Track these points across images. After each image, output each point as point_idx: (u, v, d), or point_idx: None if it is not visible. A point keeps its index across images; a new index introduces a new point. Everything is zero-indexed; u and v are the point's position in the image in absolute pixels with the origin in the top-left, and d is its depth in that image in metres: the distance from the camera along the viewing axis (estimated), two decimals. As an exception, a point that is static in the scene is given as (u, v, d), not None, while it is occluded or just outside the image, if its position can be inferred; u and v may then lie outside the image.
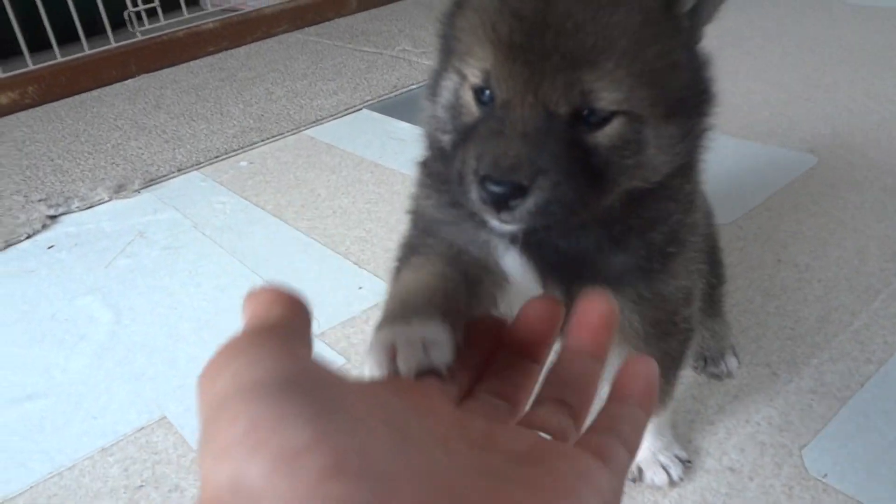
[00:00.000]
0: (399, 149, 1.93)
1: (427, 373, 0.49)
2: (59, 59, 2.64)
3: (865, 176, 1.52)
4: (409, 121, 2.08)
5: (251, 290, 0.40)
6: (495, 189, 0.54)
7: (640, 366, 0.49)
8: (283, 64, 2.74)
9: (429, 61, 2.60)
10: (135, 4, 2.81)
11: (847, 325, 1.13)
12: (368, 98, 2.28)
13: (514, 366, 0.51)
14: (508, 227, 0.60)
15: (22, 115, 2.53)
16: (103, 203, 1.83)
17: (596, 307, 0.52)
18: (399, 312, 0.57)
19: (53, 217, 1.78)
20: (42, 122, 2.43)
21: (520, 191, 0.54)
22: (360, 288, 1.37)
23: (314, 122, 2.16)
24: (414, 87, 2.33)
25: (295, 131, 2.12)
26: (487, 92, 0.58)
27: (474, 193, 0.56)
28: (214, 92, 2.53)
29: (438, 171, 0.69)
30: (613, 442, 0.43)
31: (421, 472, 0.32)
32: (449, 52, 0.63)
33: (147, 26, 2.87)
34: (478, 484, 0.35)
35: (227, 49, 3.01)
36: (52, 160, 2.10)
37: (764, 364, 1.08)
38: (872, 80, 1.94)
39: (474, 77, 0.59)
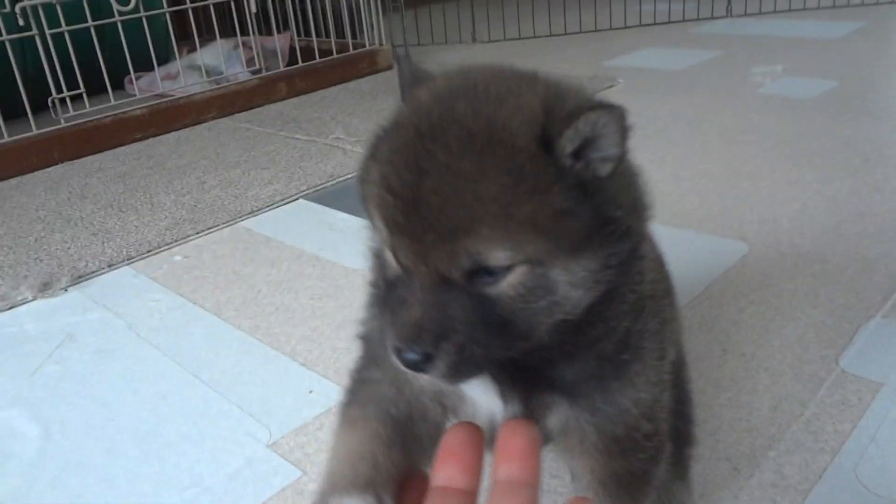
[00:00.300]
0: (340, 240, 1.91)
1: None
2: (-24, 149, 2.54)
3: (795, 263, 1.59)
4: (347, 210, 2.07)
5: None
6: (404, 358, 0.57)
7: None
8: (214, 151, 2.70)
9: (364, 150, 2.62)
10: (59, 91, 2.74)
11: (798, 416, 1.16)
12: (304, 188, 2.26)
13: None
14: (431, 379, 0.63)
15: (-66, 207, 2.41)
16: (27, 303, 1.74)
17: (519, 433, 0.55)
18: (334, 481, 0.65)
19: (-28, 320, 1.67)
20: (-44, 215, 2.31)
21: (427, 357, 0.57)
22: (311, 392, 1.32)
23: (250, 213, 2.13)
24: (349, 176, 2.33)
25: (231, 223, 2.08)
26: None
27: (393, 359, 0.58)
28: (143, 181, 2.47)
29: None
30: None
31: None
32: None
33: (71, 112, 2.80)
34: None
35: (154, 135, 2.96)
36: (-32, 257, 1.99)
37: (724, 458, 1.09)
38: (790, 168, 2.06)
39: (383, 242, 0.61)
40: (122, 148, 2.86)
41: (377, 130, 0.65)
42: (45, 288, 1.78)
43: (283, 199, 2.20)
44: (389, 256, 0.61)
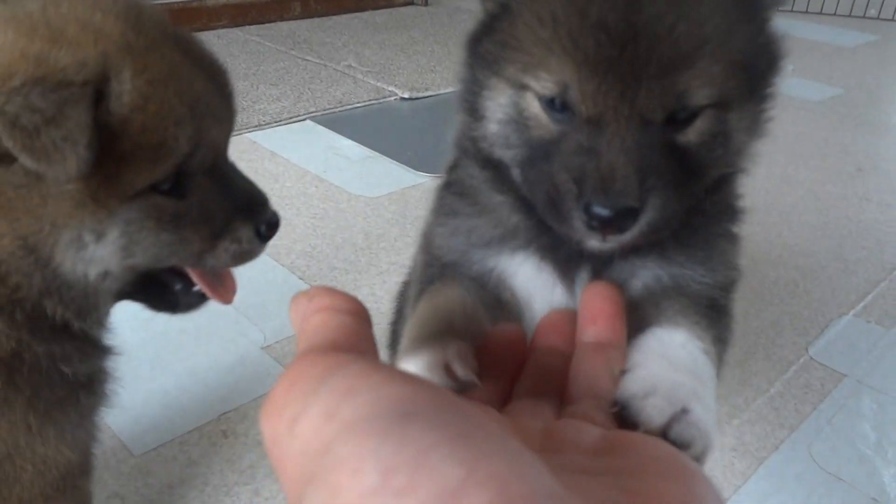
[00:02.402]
0: (344, 166, 1.93)
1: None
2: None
3: (780, 254, 1.66)
4: (353, 138, 2.09)
5: (296, 295, 0.36)
6: (605, 214, 0.50)
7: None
8: (223, 60, 2.68)
9: (375, 81, 2.63)
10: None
11: (764, 391, 1.24)
12: (312, 109, 2.27)
13: (542, 367, 0.51)
14: (608, 247, 0.56)
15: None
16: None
17: (603, 296, 0.53)
18: (433, 334, 0.56)
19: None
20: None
21: (631, 213, 0.51)
22: (307, 303, 1.36)
23: (256, 126, 2.13)
24: (359, 105, 2.34)
25: (237, 133, 2.07)
26: (558, 103, 0.53)
27: (577, 220, 0.52)
28: (149, 78, 2.45)
29: (474, 188, 0.65)
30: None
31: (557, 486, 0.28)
32: (495, 62, 0.57)
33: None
34: (583, 484, 0.32)
35: (163, 35, 2.92)
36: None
37: (691, 420, 1.17)
38: (786, 165, 2.12)
39: (545, 90, 0.53)
40: (130, 42, 2.82)
41: None
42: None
43: (290, 118, 2.20)
44: (541, 114, 0.55)
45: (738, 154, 0.57)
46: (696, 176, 0.55)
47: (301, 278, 1.44)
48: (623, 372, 0.51)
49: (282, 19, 3.27)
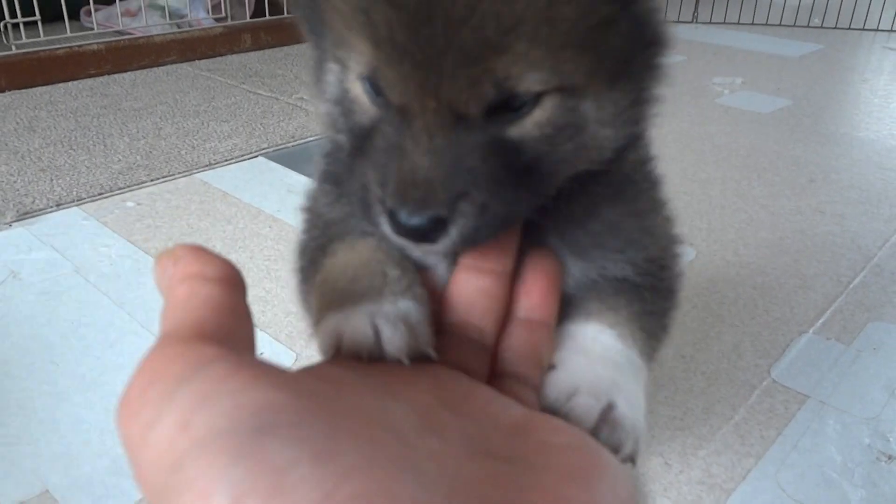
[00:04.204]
0: (299, 203, 1.90)
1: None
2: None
3: (738, 272, 1.66)
4: (307, 174, 2.05)
5: (160, 255, 0.33)
6: (408, 224, 0.45)
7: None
8: (172, 97, 2.64)
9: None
10: (13, 15, 2.63)
11: (728, 419, 1.23)
12: (265, 146, 2.24)
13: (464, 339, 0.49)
14: (433, 254, 0.52)
15: None
16: (-32, 234, 1.68)
17: (542, 270, 0.51)
18: (355, 293, 0.49)
19: None
20: None
21: (439, 224, 0.45)
22: (262, 353, 1.33)
23: (207, 165, 2.09)
24: (312, 139, 2.31)
25: (186, 173, 2.04)
26: (372, 86, 0.47)
27: (385, 226, 0.47)
28: (96, 119, 2.40)
29: (338, 174, 0.58)
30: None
31: (439, 486, 0.27)
32: (320, 35, 0.51)
33: (24, 40, 2.69)
34: (480, 480, 0.31)
35: (110, 73, 2.87)
36: None
37: (657, 453, 1.15)
38: (740, 180, 2.14)
39: (359, 69, 0.47)
40: (75, 83, 2.76)
41: None
42: (-11, 221, 1.73)
43: (242, 155, 2.17)
44: (362, 96, 0.48)
45: (599, 148, 0.50)
46: (544, 174, 0.48)
47: (255, 325, 1.40)
48: (550, 367, 0.51)
49: (232, 52, 3.23)
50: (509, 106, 0.45)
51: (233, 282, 0.31)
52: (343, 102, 0.50)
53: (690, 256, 1.72)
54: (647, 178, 0.61)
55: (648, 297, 0.60)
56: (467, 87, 0.43)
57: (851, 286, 1.62)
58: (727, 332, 1.45)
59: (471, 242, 0.47)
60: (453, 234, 0.45)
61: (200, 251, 0.32)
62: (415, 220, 0.44)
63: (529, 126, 0.46)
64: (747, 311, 1.52)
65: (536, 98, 0.45)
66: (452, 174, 0.44)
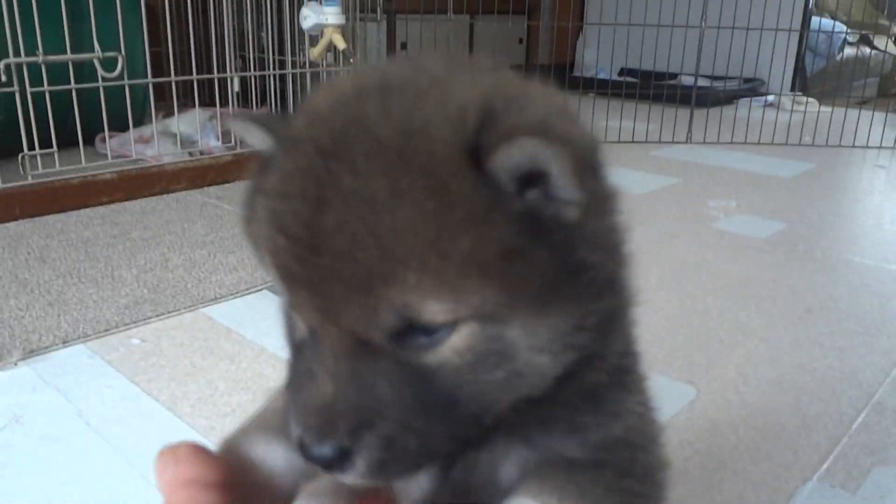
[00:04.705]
0: (301, 339, 1.92)
1: None
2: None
3: (739, 413, 1.66)
4: (311, 307, 2.09)
5: (162, 453, 0.32)
6: (312, 455, 0.44)
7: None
8: (180, 226, 2.71)
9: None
10: (31, 147, 2.74)
11: (735, 580, 1.20)
12: (269, 279, 2.27)
13: None
14: (347, 482, 0.50)
15: None
16: (-26, 376, 1.70)
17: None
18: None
19: (-86, 390, 1.63)
20: None
21: (343, 454, 0.44)
22: None
23: (212, 299, 2.13)
24: (316, 269, 2.35)
25: (192, 308, 2.08)
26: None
27: (298, 451, 0.46)
28: (106, 249, 2.46)
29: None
30: None
31: None
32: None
33: (40, 170, 2.78)
34: None
35: (121, 201, 2.95)
36: (-84, 317, 1.94)
37: None
38: (738, 311, 2.16)
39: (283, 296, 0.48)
40: (87, 210, 2.84)
41: (267, 151, 0.50)
42: (-5, 361, 1.75)
43: (247, 289, 2.21)
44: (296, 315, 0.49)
45: (534, 376, 0.46)
46: (472, 403, 0.45)
47: (256, 476, 1.40)
48: None
49: (241, 179, 3.33)
50: (422, 331, 0.43)
51: (232, 486, 0.33)
52: (287, 318, 0.53)
53: (691, 396, 1.72)
54: (621, 382, 0.58)
55: (611, 477, 0.56)
56: (363, 314, 0.42)
57: (854, 427, 1.61)
58: (730, 480, 1.44)
59: (382, 474, 0.46)
60: (360, 465, 0.44)
61: (200, 452, 0.33)
62: (320, 451, 0.44)
63: (447, 353, 0.44)
64: (750, 456, 1.51)
65: (452, 325, 0.43)
66: (355, 402, 0.44)
